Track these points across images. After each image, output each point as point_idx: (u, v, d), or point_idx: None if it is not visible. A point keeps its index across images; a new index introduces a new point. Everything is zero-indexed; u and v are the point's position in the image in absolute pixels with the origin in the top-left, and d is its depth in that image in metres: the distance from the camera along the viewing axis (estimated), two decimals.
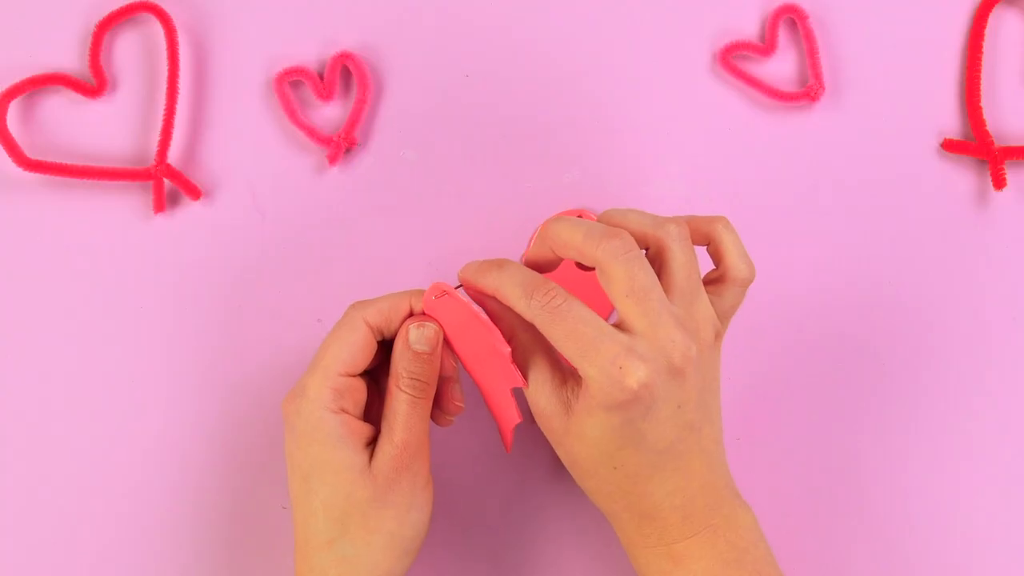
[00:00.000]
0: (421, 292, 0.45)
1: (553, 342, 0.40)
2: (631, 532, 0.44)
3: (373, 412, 0.46)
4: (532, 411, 0.44)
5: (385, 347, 0.46)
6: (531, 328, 0.43)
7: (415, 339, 0.44)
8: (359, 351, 0.44)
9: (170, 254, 0.54)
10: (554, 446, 0.44)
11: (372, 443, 0.44)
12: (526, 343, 0.43)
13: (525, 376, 0.43)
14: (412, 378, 0.44)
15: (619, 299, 0.40)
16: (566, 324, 0.39)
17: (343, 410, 0.43)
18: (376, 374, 0.47)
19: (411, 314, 0.45)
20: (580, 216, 0.53)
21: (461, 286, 0.45)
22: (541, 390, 0.43)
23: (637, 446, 0.41)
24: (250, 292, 0.54)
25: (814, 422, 0.52)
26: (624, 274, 0.39)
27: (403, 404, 0.44)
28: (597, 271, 0.41)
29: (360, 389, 0.45)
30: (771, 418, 0.52)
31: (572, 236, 0.41)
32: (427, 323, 0.44)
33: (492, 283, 0.42)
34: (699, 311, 0.41)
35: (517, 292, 0.41)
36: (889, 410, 0.52)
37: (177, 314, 0.54)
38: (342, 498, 0.43)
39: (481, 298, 0.44)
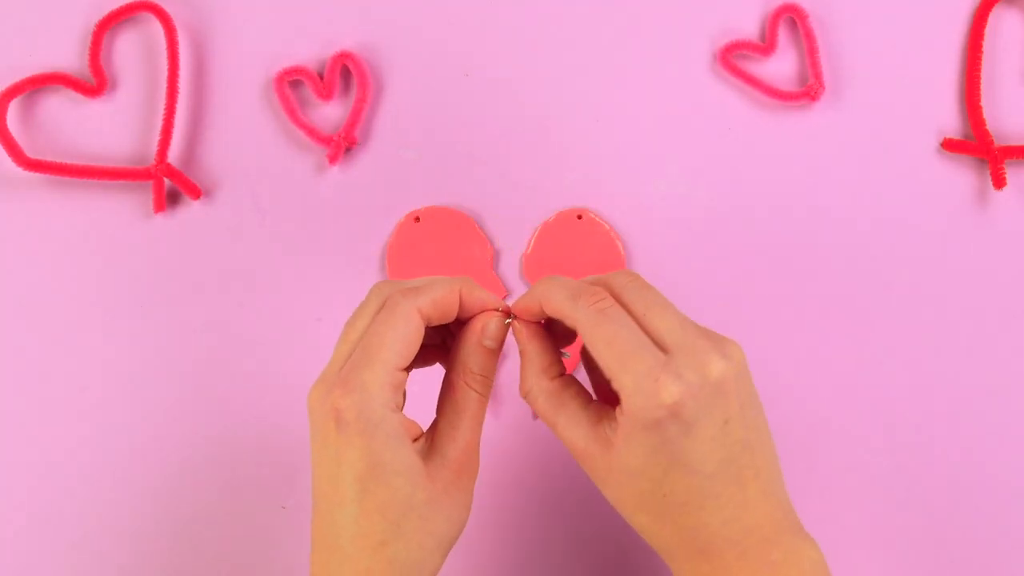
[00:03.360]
0: (466, 280, 0.42)
1: (592, 346, 0.39)
2: (687, 575, 0.41)
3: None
4: (572, 454, 0.42)
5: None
6: (559, 374, 0.42)
7: (491, 335, 0.42)
8: (413, 343, 0.41)
9: (170, 254, 0.54)
10: (600, 487, 0.41)
11: (418, 440, 0.42)
12: (553, 389, 0.42)
13: (555, 424, 0.42)
14: (483, 375, 0.42)
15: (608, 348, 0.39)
16: (610, 328, 0.38)
17: (398, 407, 0.41)
18: None
19: (460, 303, 0.42)
20: (580, 217, 0.53)
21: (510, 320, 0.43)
22: (576, 431, 0.41)
23: (684, 468, 0.39)
24: (250, 292, 0.54)
25: (816, 423, 0.52)
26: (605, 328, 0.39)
27: (472, 403, 0.42)
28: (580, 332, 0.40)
29: (405, 382, 0.42)
30: (774, 419, 0.52)
31: (554, 296, 0.40)
32: (496, 315, 0.42)
33: (539, 291, 0.41)
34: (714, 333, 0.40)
35: (563, 294, 0.40)
36: (891, 410, 0.52)
37: (177, 313, 0.54)
38: (402, 500, 0.40)
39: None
